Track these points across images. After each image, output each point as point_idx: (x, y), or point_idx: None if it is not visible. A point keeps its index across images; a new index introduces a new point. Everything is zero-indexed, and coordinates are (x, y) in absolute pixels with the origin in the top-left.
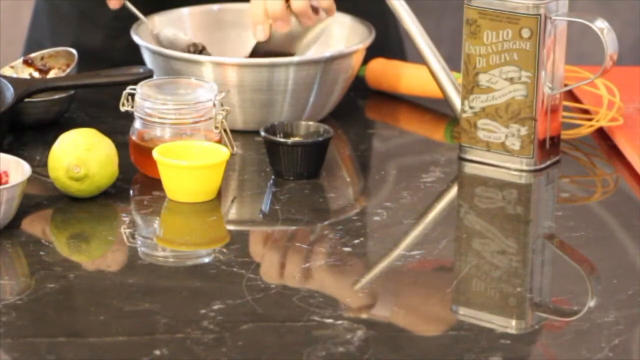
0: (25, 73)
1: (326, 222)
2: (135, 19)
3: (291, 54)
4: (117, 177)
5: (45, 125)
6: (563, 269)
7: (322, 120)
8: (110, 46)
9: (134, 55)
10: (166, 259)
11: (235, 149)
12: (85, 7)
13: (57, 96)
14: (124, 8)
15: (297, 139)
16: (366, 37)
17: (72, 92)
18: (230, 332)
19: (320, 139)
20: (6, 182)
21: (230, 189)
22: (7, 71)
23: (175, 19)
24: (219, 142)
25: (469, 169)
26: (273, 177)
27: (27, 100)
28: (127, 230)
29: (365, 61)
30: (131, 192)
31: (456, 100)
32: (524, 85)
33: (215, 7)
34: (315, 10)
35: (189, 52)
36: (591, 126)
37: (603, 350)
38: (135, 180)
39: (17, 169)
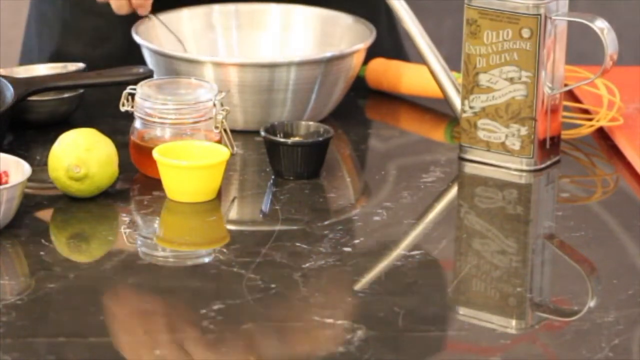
0: None
1: (326, 222)
2: (114, 29)
3: None
4: (117, 177)
5: (50, 125)
6: (563, 269)
7: (322, 120)
8: (90, 56)
9: (114, 65)
10: (166, 259)
11: (235, 149)
12: (67, 16)
13: (66, 95)
14: (102, 18)
15: (297, 139)
16: (366, 37)
17: (81, 91)
18: (230, 332)
19: (320, 139)
20: (6, 182)
21: (230, 189)
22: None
23: (175, 19)
24: (219, 142)
25: (469, 169)
26: (273, 177)
27: (36, 98)
28: (127, 230)
29: (365, 61)
30: (131, 192)
31: (456, 100)
32: (524, 85)
33: (215, 7)
34: None
35: None
36: (591, 126)
37: (603, 350)
38: (135, 180)
39: (17, 169)
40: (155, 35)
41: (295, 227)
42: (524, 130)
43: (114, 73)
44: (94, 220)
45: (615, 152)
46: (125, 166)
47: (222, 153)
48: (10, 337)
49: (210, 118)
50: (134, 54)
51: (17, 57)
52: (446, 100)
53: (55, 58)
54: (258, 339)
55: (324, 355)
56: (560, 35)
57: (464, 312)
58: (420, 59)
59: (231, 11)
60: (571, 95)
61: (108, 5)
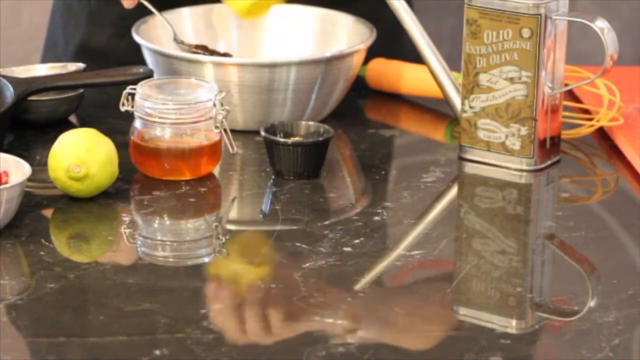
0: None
1: (326, 222)
2: (139, 17)
3: None
4: (117, 177)
5: (50, 125)
6: (563, 269)
7: (322, 120)
8: (116, 45)
9: (139, 55)
10: (166, 259)
11: (235, 148)
12: (93, 5)
13: (66, 95)
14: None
15: (297, 139)
16: (367, 37)
17: (81, 91)
18: (231, 332)
19: (320, 139)
20: (6, 182)
21: (230, 189)
22: None
23: (176, 19)
24: (219, 141)
25: (469, 168)
26: (273, 177)
27: (36, 98)
28: (127, 230)
29: (366, 61)
30: (131, 192)
31: (456, 100)
32: (524, 85)
33: (215, 7)
34: None
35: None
36: (591, 126)
37: (603, 350)
38: (135, 180)
39: (17, 169)
40: (156, 35)
41: (295, 227)
42: (524, 130)
43: (113, 73)
44: (94, 220)
45: (615, 152)
46: (125, 166)
47: None
48: (10, 337)
49: (210, 118)
50: None
51: (19, 56)
52: (446, 100)
53: (81, 49)
54: (258, 339)
55: (324, 355)
56: (560, 35)
57: (464, 312)
58: (420, 59)
59: (231, 11)
60: (571, 95)
61: None
